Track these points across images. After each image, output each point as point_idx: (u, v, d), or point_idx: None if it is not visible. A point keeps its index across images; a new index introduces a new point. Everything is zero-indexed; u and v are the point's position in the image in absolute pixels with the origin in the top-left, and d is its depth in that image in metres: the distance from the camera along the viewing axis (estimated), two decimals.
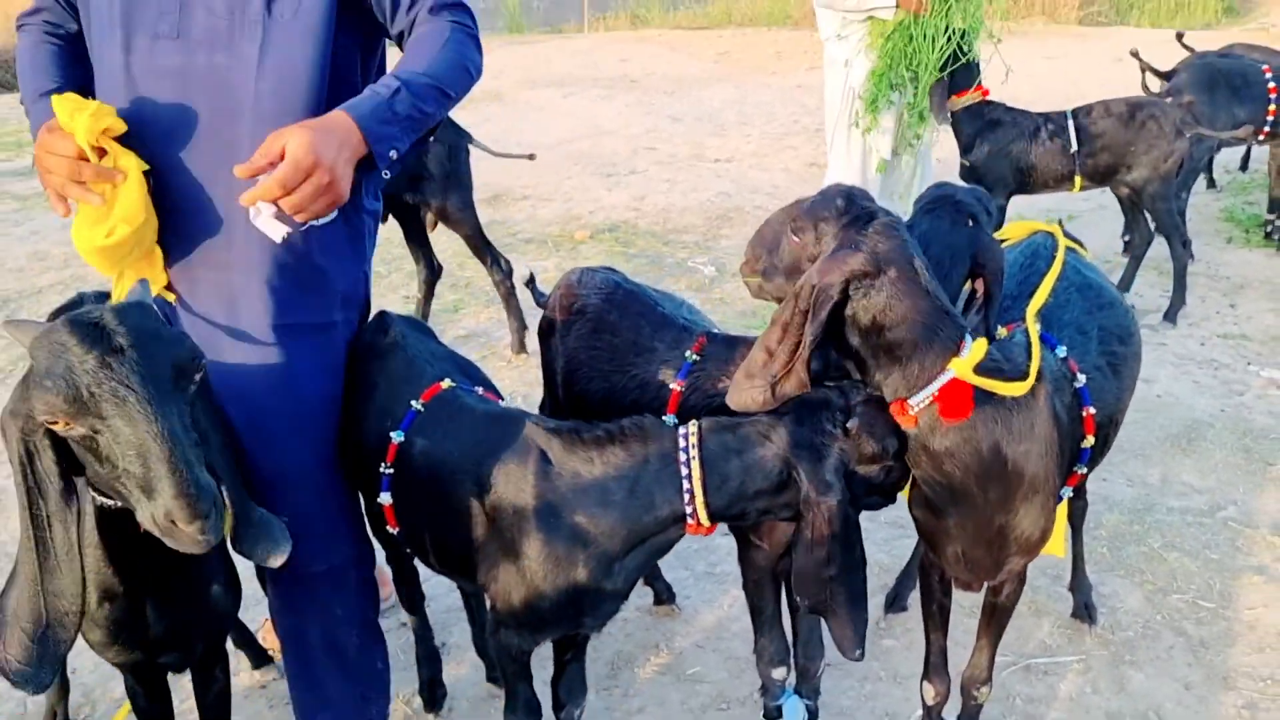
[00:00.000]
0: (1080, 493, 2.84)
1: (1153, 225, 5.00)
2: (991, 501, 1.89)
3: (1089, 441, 2.09)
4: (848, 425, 1.82)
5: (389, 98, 1.78)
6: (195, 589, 1.82)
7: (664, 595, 3.00)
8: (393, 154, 1.79)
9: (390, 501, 2.04)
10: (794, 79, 11.65)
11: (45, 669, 1.54)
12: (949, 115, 4.65)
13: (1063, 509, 2.33)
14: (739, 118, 9.80)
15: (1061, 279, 2.22)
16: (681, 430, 1.88)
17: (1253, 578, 3.11)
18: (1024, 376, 1.80)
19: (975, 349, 1.72)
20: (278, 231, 1.69)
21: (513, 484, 1.91)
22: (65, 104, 1.72)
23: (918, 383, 1.74)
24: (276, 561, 1.68)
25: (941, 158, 5.50)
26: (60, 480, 1.47)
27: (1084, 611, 2.89)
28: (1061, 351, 2.08)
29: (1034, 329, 1.98)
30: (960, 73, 4.60)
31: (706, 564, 3.23)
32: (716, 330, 2.37)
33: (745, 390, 1.81)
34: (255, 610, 2.91)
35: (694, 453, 1.84)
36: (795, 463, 1.80)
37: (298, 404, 2.02)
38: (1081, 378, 2.07)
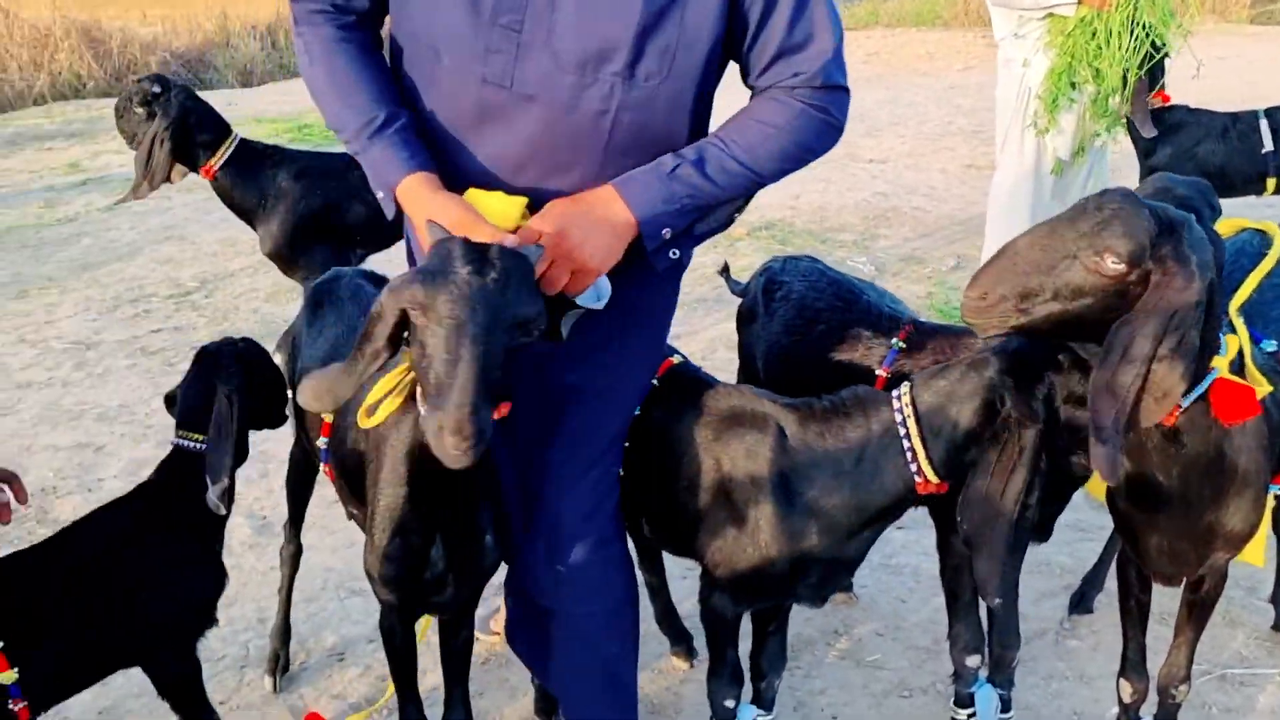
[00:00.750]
0: None
1: None
2: (1205, 496, 1.89)
3: None
4: (1059, 357, 1.84)
5: (668, 173, 1.65)
6: (473, 535, 1.94)
7: (680, 647, 2.97)
8: (665, 234, 1.66)
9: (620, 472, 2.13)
10: (946, 80, 11.46)
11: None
12: (1148, 117, 4.51)
13: (1267, 516, 2.29)
14: (891, 118, 9.71)
15: (1272, 275, 2.18)
16: (895, 393, 1.93)
17: None
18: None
19: (1230, 346, 1.72)
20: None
21: (751, 455, 1.98)
22: (486, 200, 1.69)
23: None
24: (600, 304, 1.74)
25: (1116, 158, 5.36)
26: (388, 345, 1.59)
27: None
28: (1270, 346, 2.05)
29: (1239, 323, 1.96)
30: (1155, 71, 4.48)
31: (882, 555, 3.25)
32: (921, 319, 2.40)
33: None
34: None
35: (908, 411, 1.89)
36: (1004, 387, 1.83)
37: (592, 444, 2.01)
38: None
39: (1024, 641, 2.81)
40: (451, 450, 1.48)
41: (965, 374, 1.88)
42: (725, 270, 3.00)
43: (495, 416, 1.58)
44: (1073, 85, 4.53)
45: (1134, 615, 2.24)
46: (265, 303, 5.62)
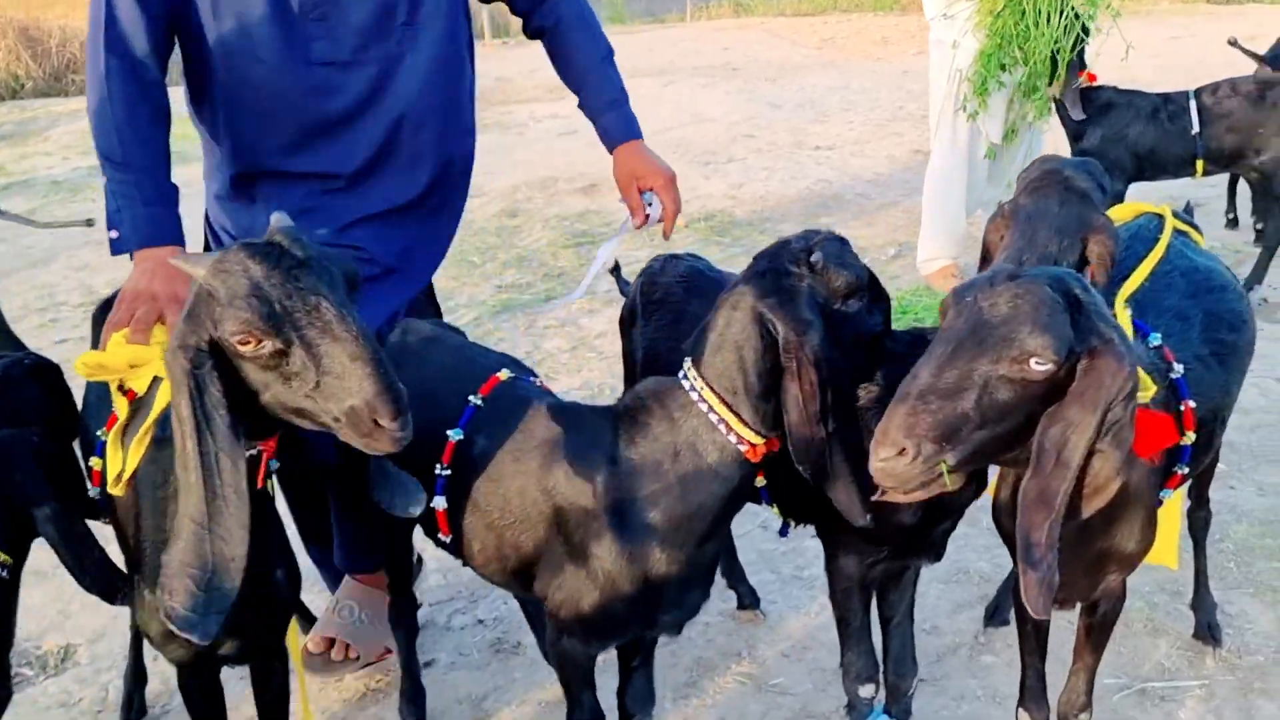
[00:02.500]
0: (1202, 502, 2.60)
1: None
2: (1094, 519, 1.71)
3: (1189, 438, 1.88)
4: (811, 260, 1.71)
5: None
6: (259, 574, 1.75)
7: (748, 599, 2.86)
8: None
9: (445, 506, 1.95)
10: (900, 64, 11.31)
11: (211, 617, 1.51)
12: (1078, 99, 4.36)
13: (1175, 514, 2.15)
14: (842, 104, 9.54)
15: (1165, 263, 2.02)
16: (680, 373, 1.80)
17: None
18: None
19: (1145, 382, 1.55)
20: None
21: (580, 480, 1.81)
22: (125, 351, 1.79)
23: None
24: (415, 511, 1.82)
25: (1054, 140, 5.21)
26: (228, 414, 1.47)
27: (1207, 632, 2.66)
28: (1155, 339, 1.89)
29: (1124, 316, 1.80)
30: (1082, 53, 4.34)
31: (794, 567, 3.08)
32: None
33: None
34: None
35: (699, 382, 1.75)
36: (767, 312, 1.68)
37: None
38: (1179, 368, 1.88)
39: (936, 658, 2.66)
40: (398, 433, 1.46)
41: (729, 318, 1.73)
42: (616, 270, 2.81)
43: None
44: (1002, 67, 4.39)
45: (1031, 641, 2.08)
46: None
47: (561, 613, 1.88)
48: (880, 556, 2.03)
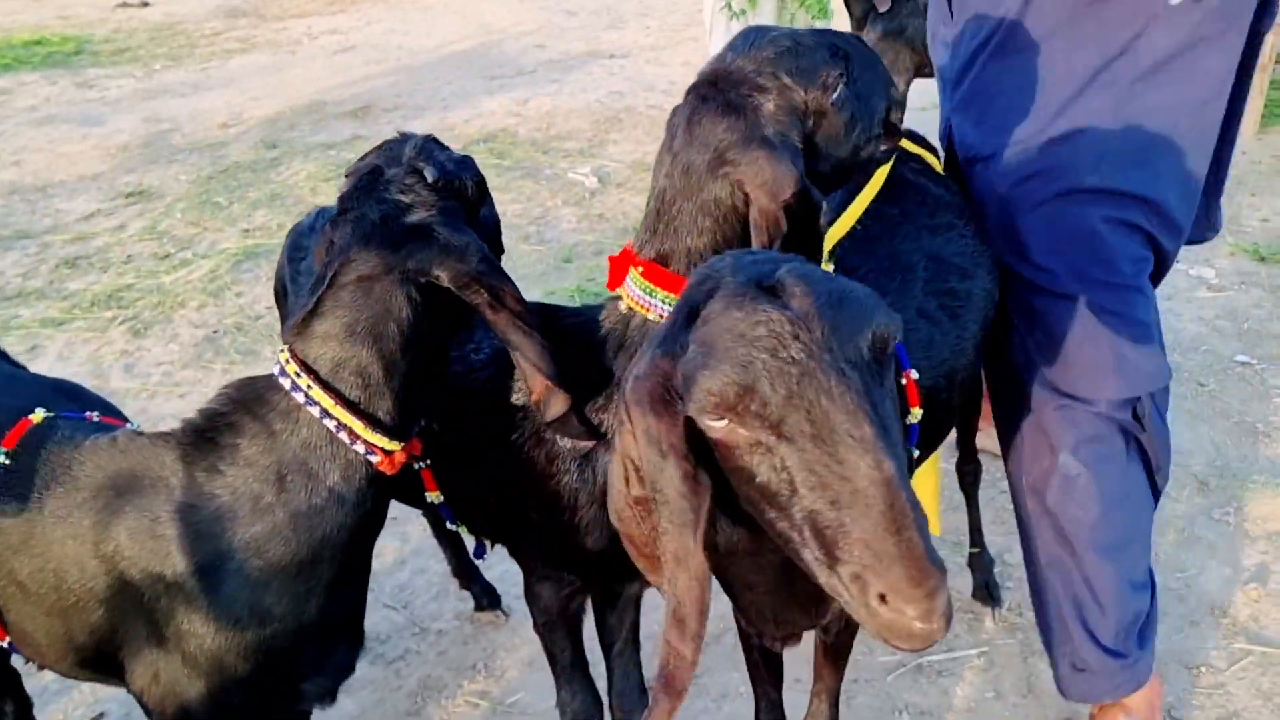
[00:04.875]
0: (969, 455, 2.34)
1: None
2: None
3: (915, 415, 1.54)
4: (425, 176, 1.37)
5: None
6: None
7: (485, 600, 2.47)
8: None
9: None
10: None
11: None
12: None
13: (931, 480, 1.86)
14: (640, 8, 9.02)
15: (885, 198, 1.67)
16: (275, 368, 1.36)
17: (1179, 534, 2.66)
18: None
19: None
20: None
21: (144, 537, 1.34)
22: None
23: None
24: None
25: None
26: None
27: (985, 592, 2.42)
28: None
29: (828, 269, 1.45)
30: None
31: None
32: None
33: None
34: None
35: (304, 381, 1.33)
36: (414, 265, 1.31)
37: None
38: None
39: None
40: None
41: (357, 294, 1.32)
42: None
43: None
44: None
45: (760, 670, 1.76)
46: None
47: (166, 711, 1.43)
48: (578, 585, 1.65)
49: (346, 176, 1.43)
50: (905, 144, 1.77)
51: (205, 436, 1.36)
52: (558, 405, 1.36)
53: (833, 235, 1.57)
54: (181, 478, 1.34)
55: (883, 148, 1.45)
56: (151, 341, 3.85)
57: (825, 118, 1.35)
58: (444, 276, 1.31)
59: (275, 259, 4.54)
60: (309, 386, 1.31)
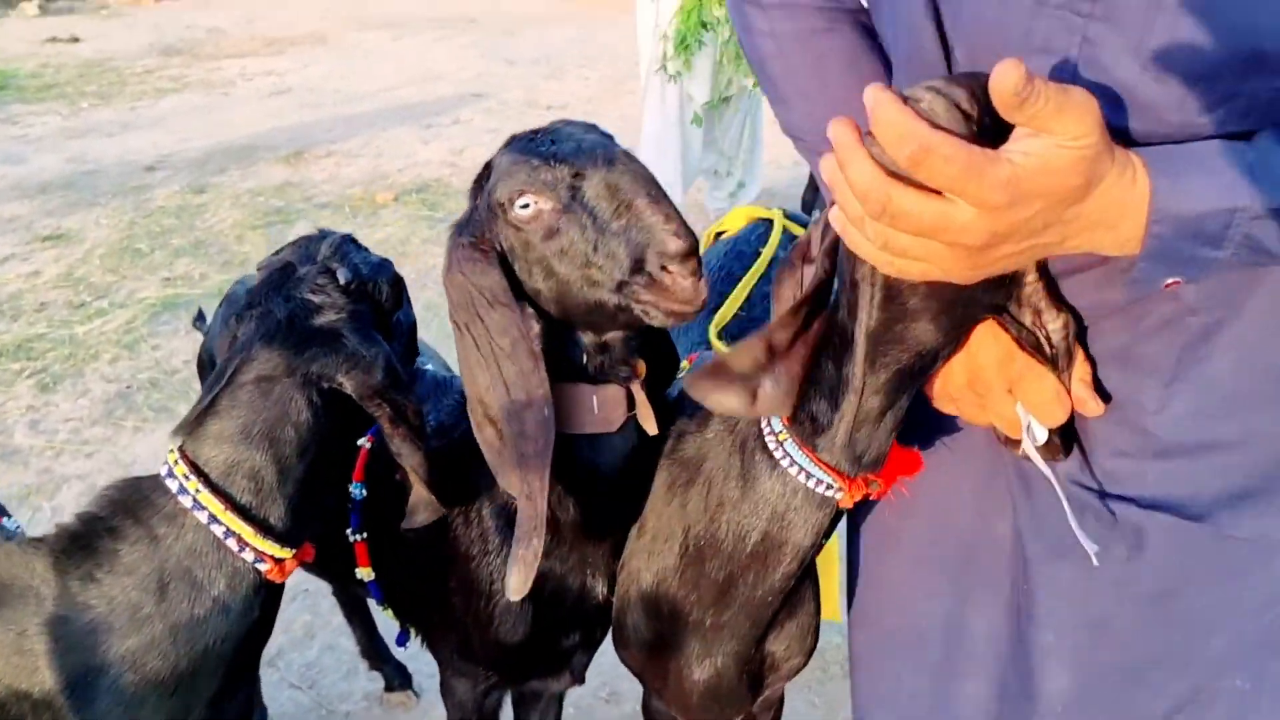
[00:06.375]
0: None
1: None
2: (752, 593, 1.33)
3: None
4: (338, 276, 1.33)
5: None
6: None
7: (395, 680, 2.38)
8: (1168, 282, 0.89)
9: None
10: None
11: None
12: None
13: (833, 563, 1.83)
14: (580, 60, 9.09)
15: (767, 280, 1.66)
16: (163, 468, 1.29)
17: None
18: None
19: None
20: None
21: (8, 654, 1.25)
22: None
23: None
24: None
25: None
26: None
27: None
28: None
29: (721, 351, 1.44)
30: None
31: None
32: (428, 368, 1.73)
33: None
34: None
35: (190, 479, 1.26)
36: (318, 370, 1.27)
37: None
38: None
39: None
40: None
41: (255, 396, 1.26)
42: (199, 317, 2.16)
43: None
44: (704, 25, 4.00)
45: None
46: None
47: None
48: (493, 681, 1.58)
49: (258, 270, 1.38)
50: (790, 225, 1.76)
51: (81, 543, 1.28)
52: (425, 516, 1.36)
53: (719, 321, 1.56)
54: (54, 587, 1.26)
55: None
56: (60, 396, 3.71)
57: None
58: (347, 385, 1.27)
59: (194, 310, 4.45)
60: (197, 490, 1.25)
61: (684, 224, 1.13)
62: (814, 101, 1.19)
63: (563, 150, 1.17)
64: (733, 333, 1.60)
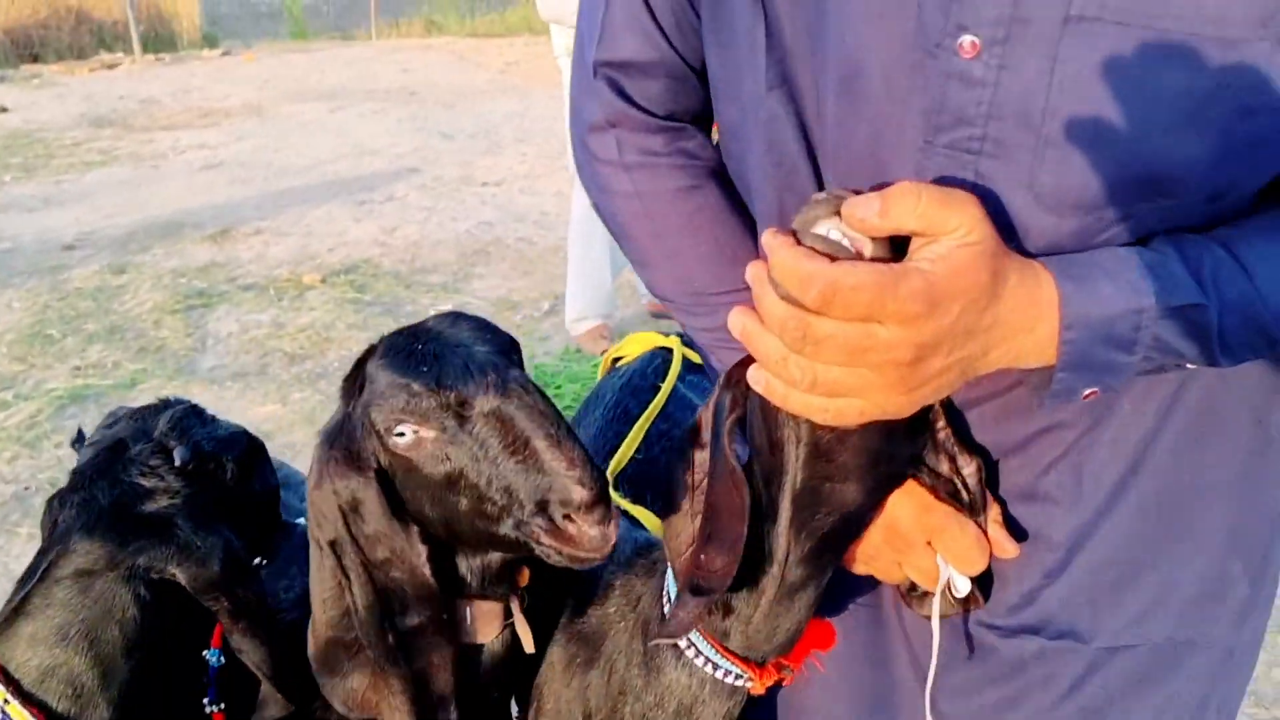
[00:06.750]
0: None
1: None
2: None
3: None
4: (174, 457, 1.25)
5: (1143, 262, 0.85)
6: None
7: None
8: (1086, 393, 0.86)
9: None
10: None
11: None
12: None
13: None
14: (517, 134, 9.08)
15: (668, 418, 1.58)
16: None
17: None
18: None
19: None
20: None
21: None
22: None
23: None
24: None
25: None
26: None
27: None
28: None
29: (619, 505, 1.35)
30: None
31: None
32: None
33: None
34: None
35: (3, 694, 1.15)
36: (131, 561, 1.18)
37: None
38: None
39: None
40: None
41: (72, 593, 1.17)
42: (79, 439, 2.02)
43: None
44: None
45: None
46: None
47: None
48: None
49: (87, 446, 1.28)
50: (689, 354, 1.69)
51: None
52: (274, 711, 1.27)
53: (616, 465, 1.47)
54: None
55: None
56: None
57: None
58: (180, 577, 1.17)
59: (105, 402, 4.28)
60: (6, 701, 1.13)
61: (589, 467, 1.03)
62: (683, 260, 1.13)
63: (447, 373, 1.06)
64: (629, 476, 1.52)
